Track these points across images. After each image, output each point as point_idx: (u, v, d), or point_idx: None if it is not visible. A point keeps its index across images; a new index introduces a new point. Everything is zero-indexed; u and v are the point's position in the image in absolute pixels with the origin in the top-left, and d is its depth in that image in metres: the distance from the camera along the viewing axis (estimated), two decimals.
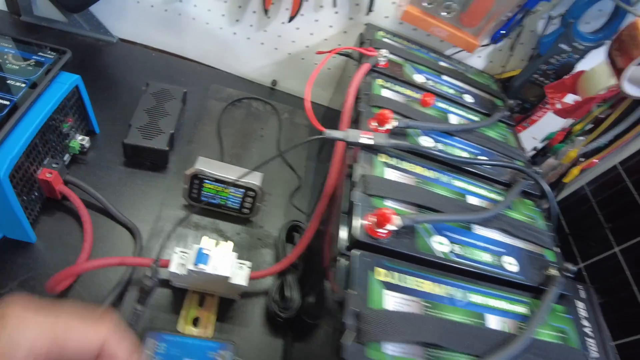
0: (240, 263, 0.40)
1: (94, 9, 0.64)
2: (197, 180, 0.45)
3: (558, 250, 0.41)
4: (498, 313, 0.33)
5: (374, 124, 0.41)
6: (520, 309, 0.34)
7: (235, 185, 0.45)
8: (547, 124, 0.65)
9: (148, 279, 0.34)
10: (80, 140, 0.49)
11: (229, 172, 0.45)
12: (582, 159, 0.59)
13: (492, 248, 0.37)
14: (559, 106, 0.59)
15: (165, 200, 0.49)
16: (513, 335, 0.31)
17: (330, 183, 0.42)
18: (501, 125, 0.53)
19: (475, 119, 0.51)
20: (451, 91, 0.53)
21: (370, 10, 0.57)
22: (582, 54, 0.57)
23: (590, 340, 0.49)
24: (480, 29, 0.57)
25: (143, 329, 0.36)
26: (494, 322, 0.32)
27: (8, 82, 0.41)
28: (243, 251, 0.47)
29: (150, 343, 0.35)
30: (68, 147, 0.48)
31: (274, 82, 0.71)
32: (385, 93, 0.46)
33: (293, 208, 0.54)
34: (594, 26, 0.57)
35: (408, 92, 0.48)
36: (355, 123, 0.42)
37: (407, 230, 0.34)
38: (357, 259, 0.31)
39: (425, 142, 0.43)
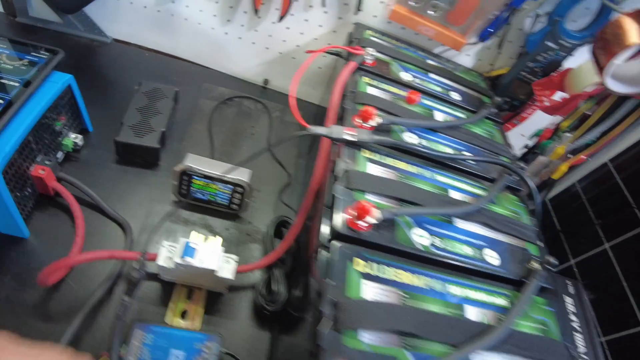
0: (227, 257, 0.41)
1: (88, 10, 0.65)
2: (186, 176, 0.46)
3: (541, 244, 0.41)
4: (477, 305, 0.33)
5: (358, 120, 0.42)
6: (501, 301, 0.35)
7: (223, 181, 0.46)
8: (537, 121, 0.65)
9: (135, 271, 0.35)
10: (74, 138, 0.51)
11: (218, 168, 0.46)
12: (571, 156, 0.59)
13: (473, 241, 0.38)
14: (546, 103, 0.59)
15: (156, 197, 0.50)
16: (492, 327, 0.31)
17: (315, 179, 0.42)
18: (488, 123, 0.54)
19: (462, 116, 0.52)
20: (438, 89, 0.53)
21: (358, 9, 0.58)
22: (569, 51, 0.57)
23: (578, 335, 0.50)
24: (467, 27, 0.58)
25: (131, 321, 0.37)
26: (473, 314, 0.33)
27: (2, 81, 0.42)
28: (232, 246, 0.48)
29: (137, 334, 0.36)
30: (61, 145, 0.49)
31: (266, 81, 0.72)
32: (371, 91, 0.47)
33: (282, 205, 0.55)
34: (581, 24, 0.57)
35: (394, 89, 0.49)
36: (341, 120, 0.43)
37: (388, 224, 0.35)
38: (336, 250, 0.31)
39: (410, 138, 0.44)
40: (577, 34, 0.56)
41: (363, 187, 0.36)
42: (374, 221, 0.33)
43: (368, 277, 0.31)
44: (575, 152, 0.59)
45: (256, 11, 0.60)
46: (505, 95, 0.63)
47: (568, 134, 0.58)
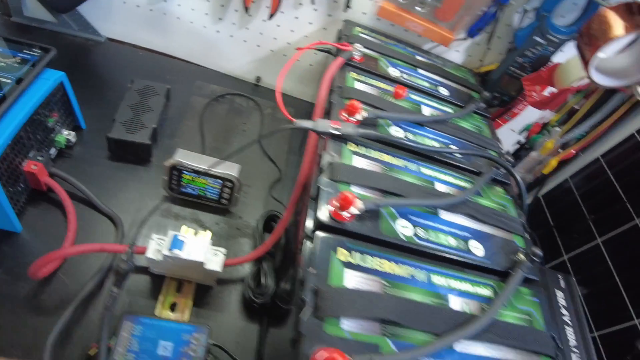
0: (215, 250, 0.42)
1: (82, 9, 0.66)
2: (176, 171, 0.47)
3: (527, 236, 0.41)
4: (462, 295, 0.34)
5: (344, 114, 0.42)
6: (485, 291, 0.35)
7: (212, 176, 0.47)
8: (528, 117, 0.66)
9: (123, 262, 0.35)
10: (66, 135, 0.51)
11: (207, 163, 0.46)
12: (561, 150, 0.60)
13: (458, 233, 0.38)
14: (535, 97, 0.60)
15: (147, 192, 0.51)
16: (475, 316, 0.32)
17: (303, 172, 0.43)
18: (476, 117, 0.54)
19: (450, 111, 0.52)
20: (426, 84, 0.54)
21: (347, 6, 0.59)
22: (557, 46, 0.58)
23: (569, 329, 0.50)
24: (455, 23, 0.59)
25: (122, 313, 0.38)
26: (456, 303, 0.33)
27: None
28: (221, 240, 0.49)
29: (126, 325, 0.37)
30: (54, 142, 0.50)
31: (258, 79, 0.72)
32: (358, 86, 0.48)
33: (273, 200, 0.56)
34: (569, 19, 0.58)
35: (381, 84, 0.49)
36: (328, 114, 0.44)
37: (372, 214, 0.35)
38: (319, 240, 0.32)
39: (396, 132, 0.44)
40: (565, 29, 0.56)
41: (348, 179, 0.36)
42: (356, 211, 0.33)
43: (351, 266, 0.31)
44: (565, 146, 0.59)
45: (246, 9, 0.61)
46: (495, 91, 0.64)
47: (557, 128, 0.59)
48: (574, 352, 0.46)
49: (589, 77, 0.46)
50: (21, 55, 0.46)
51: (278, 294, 0.43)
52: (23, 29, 0.66)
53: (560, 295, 0.53)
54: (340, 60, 0.48)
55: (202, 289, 0.44)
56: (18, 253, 0.42)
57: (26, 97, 0.43)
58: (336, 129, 0.38)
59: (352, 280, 0.31)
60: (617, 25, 0.43)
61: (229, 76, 0.73)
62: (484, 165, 0.47)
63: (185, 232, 0.42)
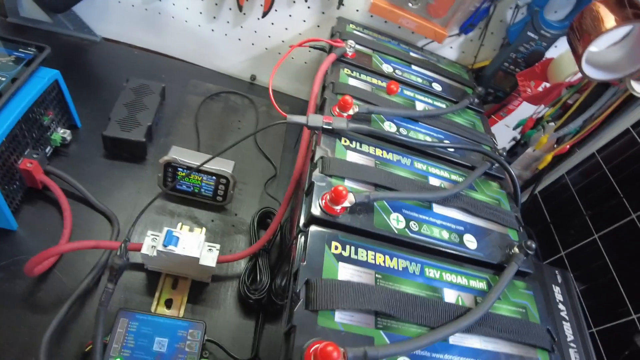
0: (210, 246, 0.42)
1: (77, 9, 0.66)
2: (171, 168, 0.47)
3: (522, 230, 0.42)
4: (456, 288, 0.34)
5: (337, 110, 0.42)
6: (480, 284, 0.35)
7: (207, 172, 0.47)
8: (524, 113, 0.66)
9: (118, 258, 0.35)
10: (62, 133, 0.51)
11: (201, 160, 0.46)
12: (556, 145, 0.60)
13: (452, 226, 0.38)
14: (529, 92, 0.60)
15: (143, 189, 0.51)
16: (469, 309, 0.32)
17: (297, 168, 0.43)
18: (470, 112, 0.55)
19: (443, 106, 0.52)
20: (419, 80, 0.54)
21: (341, 4, 0.59)
22: (550, 41, 0.58)
23: (566, 323, 0.50)
24: (448, 19, 0.59)
25: (118, 309, 0.38)
26: (450, 296, 0.33)
27: None
28: (217, 237, 0.49)
29: (122, 322, 0.37)
30: (50, 140, 0.50)
31: (253, 77, 0.73)
32: (351, 82, 0.48)
33: (268, 196, 0.56)
34: (561, 14, 0.58)
35: (374, 80, 0.50)
36: (321, 110, 0.44)
37: (365, 208, 0.35)
38: (312, 234, 0.32)
39: (389, 127, 0.44)
40: (557, 24, 0.57)
41: (340, 173, 0.37)
42: (348, 205, 0.33)
43: (344, 259, 0.32)
44: (559, 141, 0.59)
45: (240, 7, 0.61)
46: (490, 87, 0.64)
47: (551, 123, 0.59)
48: (571, 347, 0.46)
49: (581, 71, 0.46)
50: (16, 53, 0.46)
51: (273, 290, 0.43)
52: (19, 29, 0.66)
53: (557, 290, 0.53)
54: (332, 56, 0.48)
55: (197, 286, 0.44)
56: (14, 251, 0.42)
57: (21, 95, 0.43)
58: (328, 124, 0.39)
59: (345, 273, 0.31)
60: (609, 18, 0.43)
61: (224, 75, 0.73)
62: (478, 160, 0.47)
63: (180, 229, 0.42)
